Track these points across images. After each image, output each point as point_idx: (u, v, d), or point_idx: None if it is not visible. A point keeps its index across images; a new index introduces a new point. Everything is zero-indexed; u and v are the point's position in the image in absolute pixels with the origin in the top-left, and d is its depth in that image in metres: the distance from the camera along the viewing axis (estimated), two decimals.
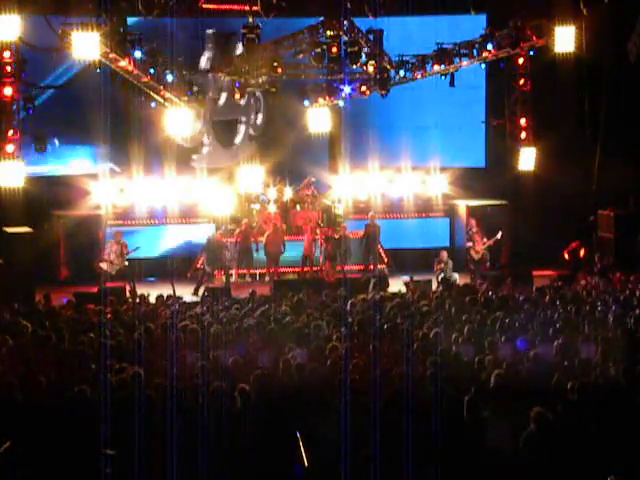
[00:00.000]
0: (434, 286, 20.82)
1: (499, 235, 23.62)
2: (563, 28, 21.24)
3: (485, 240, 23.42)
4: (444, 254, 22.32)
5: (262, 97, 25.66)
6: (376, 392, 9.02)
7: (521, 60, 24.78)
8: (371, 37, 21.77)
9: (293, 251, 24.10)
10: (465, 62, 22.75)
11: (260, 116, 26.63)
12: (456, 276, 22.00)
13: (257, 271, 24.19)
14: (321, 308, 15.90)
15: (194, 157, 26.09)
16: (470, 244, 23.32)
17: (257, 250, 23.90)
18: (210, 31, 25.31)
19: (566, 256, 24.61)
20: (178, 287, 19.34)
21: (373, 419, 8.58)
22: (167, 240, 24.75)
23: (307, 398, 9.75)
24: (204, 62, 25.00)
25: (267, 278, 23.79)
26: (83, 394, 9.50)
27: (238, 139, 26.83)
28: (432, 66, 22.94)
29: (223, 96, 25.84)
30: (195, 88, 22.79)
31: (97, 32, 17.15)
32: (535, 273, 22.20)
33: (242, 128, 26.78)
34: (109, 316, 14.60)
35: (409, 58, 23.29)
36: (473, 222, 23.52)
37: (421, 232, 25.98)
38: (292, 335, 13.02)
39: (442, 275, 21.81)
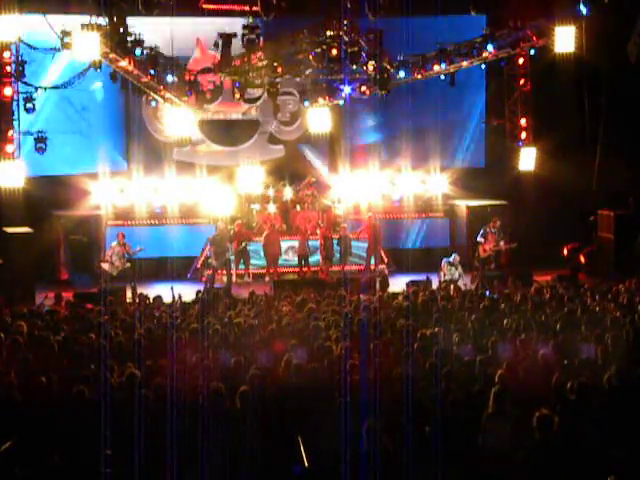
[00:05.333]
0: (435, 286, 20.75)
1: (514, 245, 23.56)
2: (563, 28, 21.19)
3: (502, 244, 23.30)
4: (456, 258, 22.14)
5: (299, 98, 25.55)
6: (376, 392, 9.02)
7: (521, 60, 24.80)
8: (371, 37, 21.74)
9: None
10: (465, 62, 22.72)
11: (298, 120, 26.65)
12: (458, 276, 21.91)
13: (257, 271, 24.20)
14: (321, 308, 15.89)
15: (176, 150, 26.09)
16: (481, 240, 23.14)
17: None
18: (197, 36, 25.36)
19: (565, 251, 24.62)
20: (178, 287, 19.29)
21: (373, 420, 8.58)
22: (167, 240, 24.74)
23: (307, 398, 9.75)
24: (190, 64, 24.98)
25: (267, 278, 23.80)
26: (81, 395, 9.49)
27: (252, 140, 26.77)
28: (432, 66, 22.91)
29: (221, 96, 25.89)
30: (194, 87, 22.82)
31: (97, 32, 17.11)
32: (535, 273, 22.20)
33: (259, 129, 26.75)
34: (106, 317, 14.58)
35: (409, 58, 23.29)
36: (498, 223, 23.44)
37: (421, 232, 26.01)
38: (292, 335, 13.03)
39: (447, 277, 21.62)
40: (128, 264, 21.62)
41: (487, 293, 17.93)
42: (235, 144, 26.73)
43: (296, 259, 24.40)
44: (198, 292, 18.86)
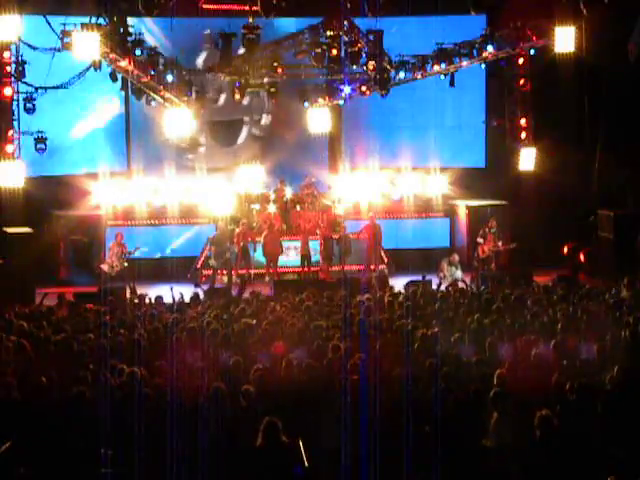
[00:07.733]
0: (435, 287, 20.72)
1: (513, 245, 23.59)
2: (563, 28, 21.21)
3: (500, 244, 23.34)
4: (456, 257, 22.10)
5: (266, 97, 25.65)
6: (376, 392, 9.02)
7: (521, 60, 24.79)
8: (371, 37, 21.76)
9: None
10: (465, 62, 22.74)
11: (265, 116, 26.71)
12: (458, 275, 21.88)
13: (257, 271, 24.18)
14: (321, 308, 15.89)
15: (189, 156, 26.13)
16: (481, 240, 23.19)
17: (255, 250, 23.89)
18: (207, 31, 25.33)
19: (565, 249, 24.61)
20: (178, 287, 19.28)
21: (373, 419, 8.58)
22: (167, 240, 24.75)
23: (307, 398, 9.75)
24: (200, 62, 25.01)
25: (267, 278, 23.78)
26: (82, 396, 9.48)
27: (240, 139, 26.86)
28: (432, 66, 22.94)
29: (222, 96, 25.91)
30: (195, 88, 22.81)
31: (97, 32, 17.12)
32: (535, 273, 22.18)
33: (245, 128, 26.83)
34: (107, 317, 14.57)
35: (409, 58, 23.29)
36: (494, 223, 23.50)
37: (421, 232, 26.01)
38: (292, 335, 13.02)
39: (446, 277, 21.59)
40: (126, 264, 21.65)
41: None
42: (234, 143, 26.78)
43: (298, 259, 24.36)
44: (197, 292, 18.83)
